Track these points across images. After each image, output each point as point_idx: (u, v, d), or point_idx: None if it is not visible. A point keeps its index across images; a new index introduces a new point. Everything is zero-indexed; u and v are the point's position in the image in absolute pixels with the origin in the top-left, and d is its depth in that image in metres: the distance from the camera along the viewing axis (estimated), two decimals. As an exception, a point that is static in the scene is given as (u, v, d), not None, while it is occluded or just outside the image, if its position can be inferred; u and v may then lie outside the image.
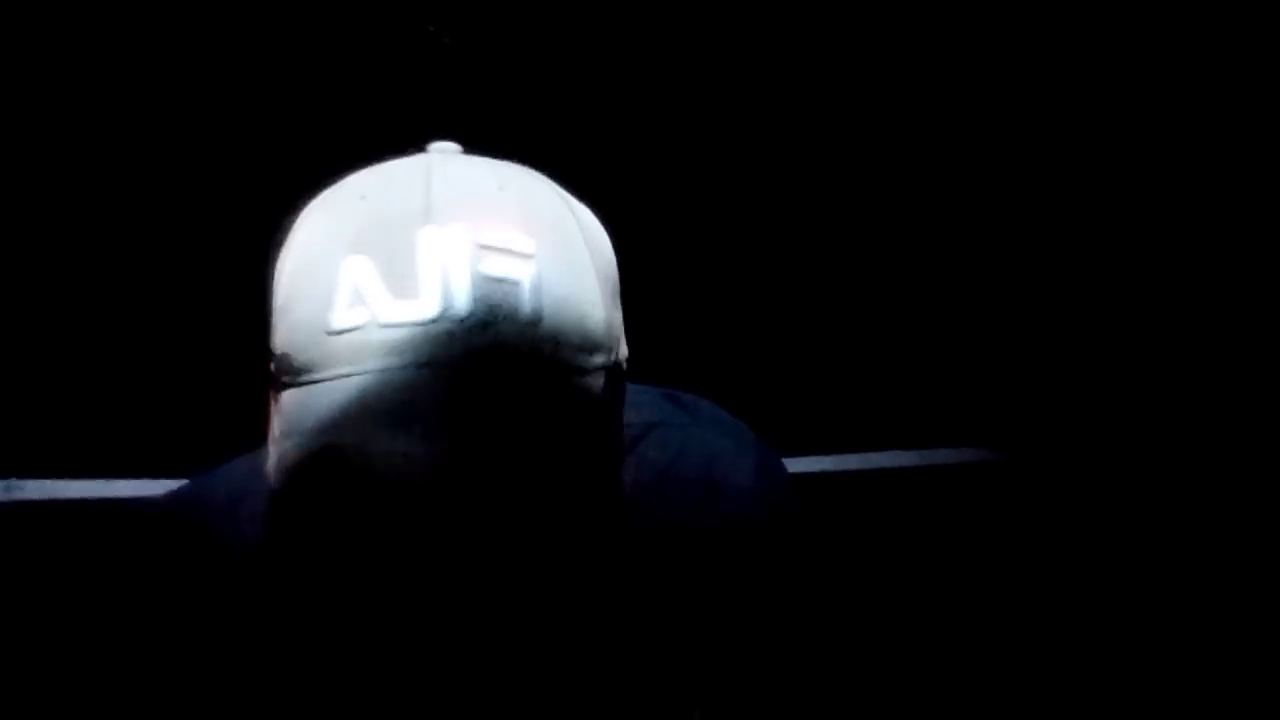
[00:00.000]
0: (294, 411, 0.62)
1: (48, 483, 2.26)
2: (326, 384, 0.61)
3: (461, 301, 0.61)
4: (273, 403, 0.67)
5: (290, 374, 0.64)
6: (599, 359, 0.65)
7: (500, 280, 0.62)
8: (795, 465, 2.73)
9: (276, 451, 0.64)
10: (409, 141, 0.80)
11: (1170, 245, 2.80)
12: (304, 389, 0.62)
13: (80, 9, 2.40)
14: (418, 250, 0.61)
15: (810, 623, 0.94)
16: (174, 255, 2.51)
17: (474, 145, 0.82)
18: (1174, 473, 2.67)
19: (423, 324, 0.60)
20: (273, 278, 0.69)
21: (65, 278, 2.47)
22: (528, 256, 0.63)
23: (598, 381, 0.64)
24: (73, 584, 0.92)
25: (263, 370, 0.69)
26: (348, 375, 0.60)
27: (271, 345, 0.67)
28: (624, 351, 0.70)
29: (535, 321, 0.62)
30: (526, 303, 0.62)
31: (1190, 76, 2.76)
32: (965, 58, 2.79)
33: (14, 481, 2.25)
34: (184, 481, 0.90)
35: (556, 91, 2.86)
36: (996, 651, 2.50)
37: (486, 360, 0.60)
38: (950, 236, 2.85)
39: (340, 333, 0.62)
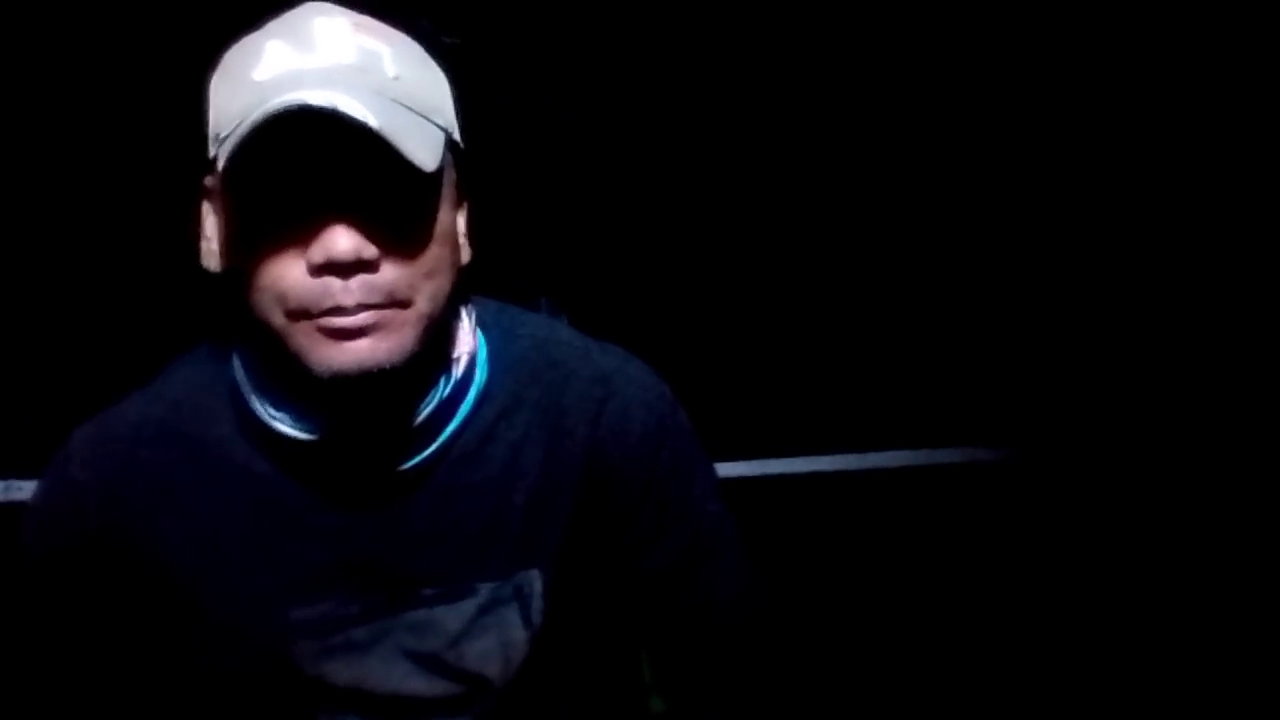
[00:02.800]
0: (234, 142, 0.83)
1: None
2: (257, 109, 0.82)
3: (348, 56, 0.86)
4: (208, 191, 0.92)
5: (224, 127, 0.85)
6: (439, 120, 0.89)
7: (372, 49, 0.87)
8: (798, 465, 2.74)
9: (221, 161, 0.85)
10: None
11: (1175, 247, 2.80)
12: (238, 126, 0.83)
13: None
14: (314, 28, 0.87)
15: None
16: (174, 257, 2.51)
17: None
18: (1179, 473, 2.67)
19: (324, 68, 0.85)
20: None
21: (67, 281, 2.47)
22: (387, 42, 0.89)
23: (439, 135, 0.88)
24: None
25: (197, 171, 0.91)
26: (271, 98, 0.82)
27: (207, 127, 0.88)
28: (456, 133, 0.93)
29: (396, 77, 0.87)
30: (390, 63, 0.87)
31: (1192, 77, 2.76)
32: (970, 57, 2.79)
33: (14, 482, 2.25)
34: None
35: (559, 101, 2.86)
36: (1001, 649, 2.50)
37: (365, 92, 0.84)
38: (955, 237, 2.85)
39: (265, 81, 0.85)
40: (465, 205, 0.96)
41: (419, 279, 0.87)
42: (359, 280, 0.85)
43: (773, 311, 2.85)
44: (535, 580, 0.97)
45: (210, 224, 0.93)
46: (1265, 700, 2.29)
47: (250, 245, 0.86)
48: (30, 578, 0.98)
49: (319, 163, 0.84)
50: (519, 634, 0.97)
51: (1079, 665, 2.46)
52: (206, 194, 0.93)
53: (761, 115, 2.79)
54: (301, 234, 0.85)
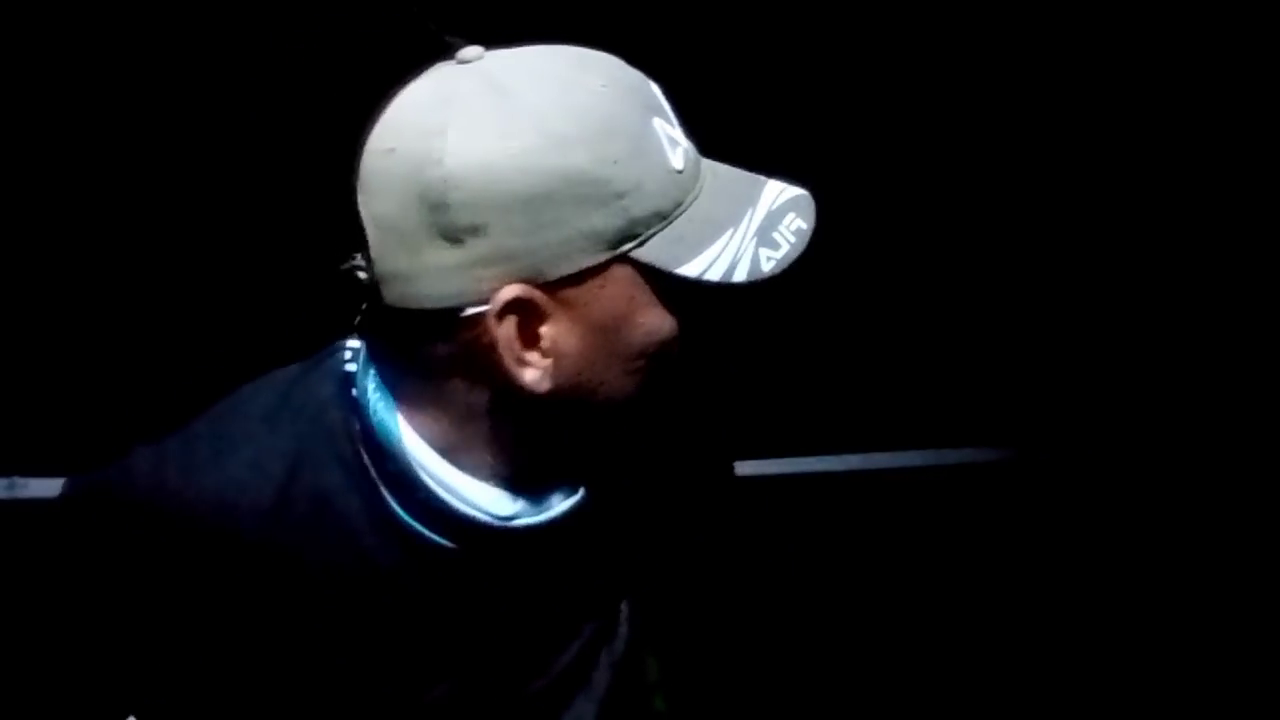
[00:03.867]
0: (671, 242, 0.79)
1: (50, 481, 2.25)
2: (692, 206, 0.80)
3: (685, 157, 0.82)
4: (520, 305, 0.78)
5: (647, 224, 0.78)
6: None
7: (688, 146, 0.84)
8: (801, 466, 2.74)
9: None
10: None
11: (1177, 247, 2.79)
12: (675, 222, 0.79)
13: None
14: (669, 113, 0.83)
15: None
16: (176, 257, 2.51)
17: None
18: (1182, 472, 2.67)
19: (695, 150, 0.83)
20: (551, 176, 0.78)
21: (71, 281, 2.47)
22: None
23: None
24: (73, 580, 0.93)
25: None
26: (698, 195, 0.81)
27: (607, 222, 0.78)
28: None
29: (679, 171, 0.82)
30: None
31: (1193, 76, 2.76)
32: (973, 56, 2.79)
33: (17, 480, 2.25)
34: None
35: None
36: (1004, 649, 2.49)
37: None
38: (957, 238, 2.85)
39: (681, 171, 0.81)
40: None
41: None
42: None
43: (773, 314, 2.85)
44: (622, 610, 0.96)
45: (533, 342, 0.78)
46: (1267, 700, 2.29)
47: (670, 341, 0.82)
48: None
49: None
50: (605, 672, 0.95)
51: (1082, 664, 2.46)
52: (517, 309, 0.77)
53: (767, 112, 2.78)
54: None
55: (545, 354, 0.78)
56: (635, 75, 0.83)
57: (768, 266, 0.80)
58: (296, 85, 2.56)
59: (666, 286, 0.79)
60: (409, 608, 0.85)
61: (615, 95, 0.80)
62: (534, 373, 0.78)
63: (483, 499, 0.82)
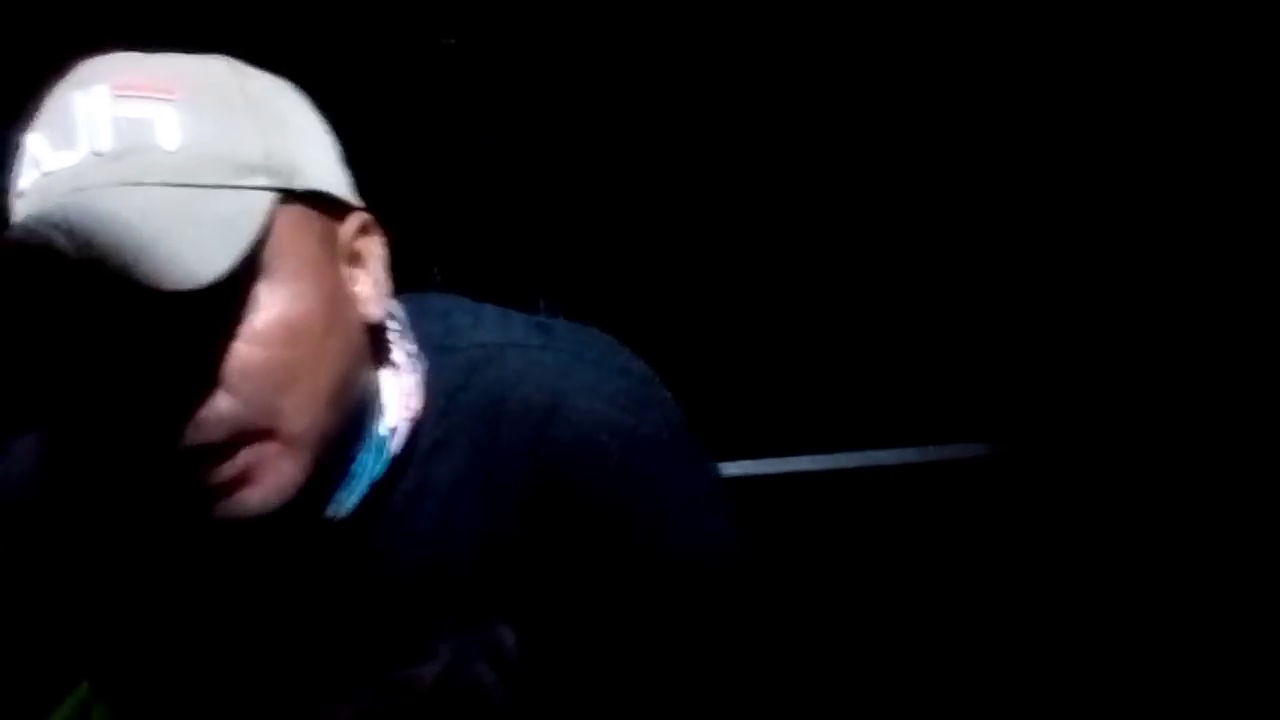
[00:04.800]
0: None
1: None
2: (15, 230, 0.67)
3: (104, 141, 0.69)
4: None
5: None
6: (258, 180, 0.71)
7: (136, 119, 0.69)
8: (793, 465, 2.74)
9: None
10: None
11: (1165, 242, 2.79)
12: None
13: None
14: (72, 111, 0.70)
15: (647, 560, 0.85)
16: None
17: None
18: (1170, 467, 2.67)
19: (74, 166, 0.69)
20: None
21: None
22: (166, 99, 0.71)
23: (257, 200, 0.70)
24: None
25: None
26: (24, 218, 0.67)
27: None
28: (311, 182, 0.75)
29: (173, 151, 0.69)
30: (162, 135, 0.69)
31: (1185, 76, 2.76)
32: (951, 51, 2.78)
33: None
34: None
35: (557, 96, 2.86)
36: (995, 644, 2.49)
37: (130, 181, 0.68)
38: (944, 235, 2.84)
39: (22, 193, 0.70)
40: (363, 249, 0.78)
41: (278, 397, 0.70)
42: (188, 425, 0.68)
43: (761, 312, 2.85)
44: (505, 634, 0.85)
45: None
46: (1259, 698, 2.29)
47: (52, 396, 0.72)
48: None
49: (79, 300, 0.67)
50: (495, 689, 0.86)
51: (1072, 660, 2.46)
52: None
53: (758, 114, 2.79)
54: (101, 382, 0.68)
55: None
56: (81, 69, 0.74)
57: None
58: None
59: None
60: (240, 616, 0.83)
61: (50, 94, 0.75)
62: None
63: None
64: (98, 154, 0.68)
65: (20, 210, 0.69)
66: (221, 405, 0.68)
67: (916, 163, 2.81)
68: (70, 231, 0.63)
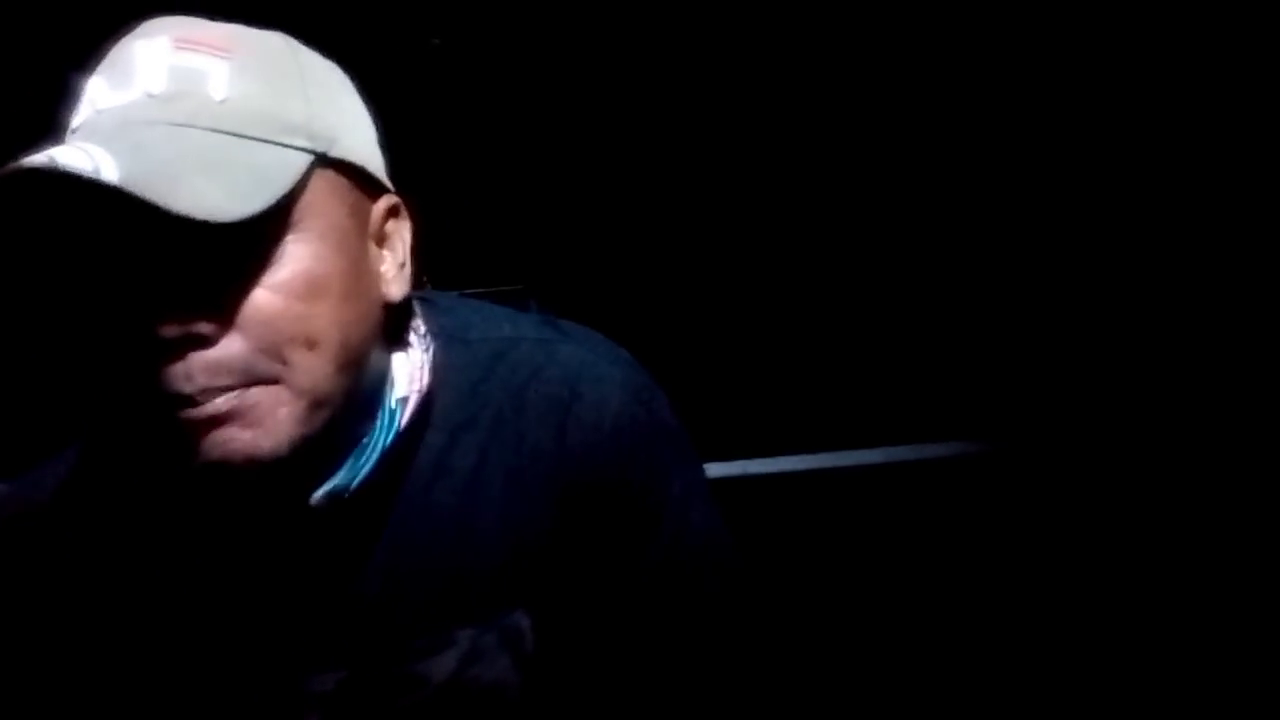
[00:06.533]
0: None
1: None
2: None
3: (157, 84, 0.72)
4: None
5: None
6: (298, 141, 0.74)
7: (191, 69, 0.73)
8: (789, 464, 2.73)
9: None
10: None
11: (1161, 240, 2.80)
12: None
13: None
14: (133, 57, 0.74)
15: (668, 539, 0.90)
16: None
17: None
18: (1166, 464, 2.67)
19: (126, 105, 0.72)
20: None
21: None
22: (222, 55, 0.74)
23: (294, 159, 0.73)
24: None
25: None
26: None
27: None
28: (349, 154, 0.78)
29: (221, 100, 0.72)
30: (213, 86, 0.73)
31: (1182, 75, 2.76)
32: (943, 49, 2.79)
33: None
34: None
35: (560, 97, 2.85)
36: (991, 643, 2.50)
37: (177, 122, 0.71)
38: (940, 233, 2.85)
39: (75, 128, 0.74)
40: (391, 232, 0.81)
41: (289, 348, 0.71)
42: (198, 361, 0.70)
43: (756, 312, 2.85)
44: (522, 620, 0.87)
45: None
46: (1258, 696, 2.29)
47: (72, 325, 0.74)
48: None
49: (104, 227, 0.69)
50: (511, 677, 0.88)
51: (1070, 659, 2.46)
52: None
53: (752, 112, 2.79)
54: (122, 311, 0.70)
55: None
56: (144, 26, 0.78)
57: None
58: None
59: None
60: (259, 589, 0.83)
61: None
62: None
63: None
64: (150, 95, 0.71)
65: (75, 138, 0.71)
66: (234, 346, 0.70)
67: (913, 161, 2.82)
68: (113, 155, 0.66)
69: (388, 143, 0.83)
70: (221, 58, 0.73)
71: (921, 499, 2.72)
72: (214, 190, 0.67)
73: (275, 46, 0.78)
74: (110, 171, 0.65)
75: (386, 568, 0.84)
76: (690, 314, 2.88)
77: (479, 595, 0.85)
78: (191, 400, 0.69)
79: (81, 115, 0.74)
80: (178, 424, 0.70)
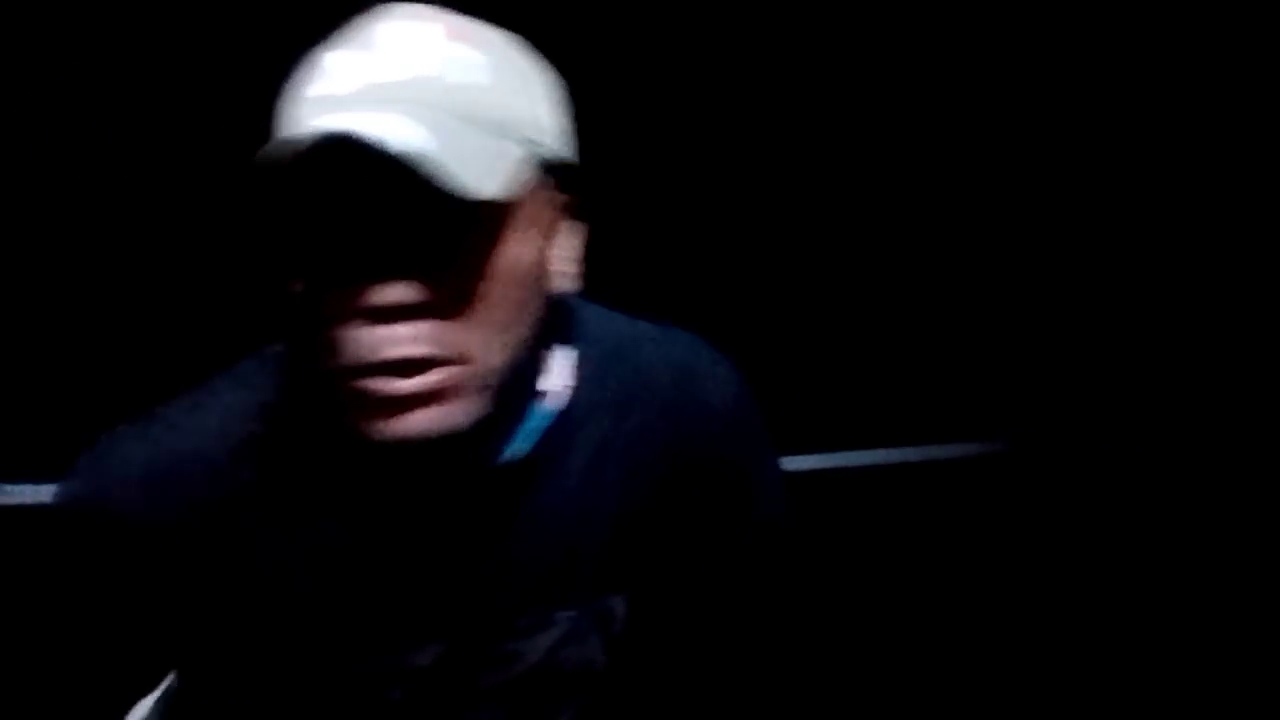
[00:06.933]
0: (260, 171, 0.72)
1: (39, 487, 2.25)
2: (277, 144, 0.71)
3: (431, 68, 0.75)
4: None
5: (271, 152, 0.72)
6: (527, 135, 0.78)
7: (461, 59, 0.76)
8: (798, 463, 2.73)
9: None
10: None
11: (1172, 241, 2.80)
12: (267, 152, 0.71)
13: None
14: (376, 37, 0.76)
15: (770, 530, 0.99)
16: (164, 264, 2.50)
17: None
18: (1177, 466, 2.68)
19: (402, 83, 0.74)
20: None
21: (56, 285, 2.46)
22: (484, 50, 0.78)
23: (522, 152, 0.77)
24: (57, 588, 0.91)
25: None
26: (305, 120, 0.72)
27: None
28: (553, 154, 0.82)
29: (484, 90, 0.76)
30: (477, 78, 0.76)
31: (1190, 76, 2.77)
32: (967, 53, 2.79)
33: (4, 486, 2.25)
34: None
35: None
36: (999, 644, 2.50)
37: (424, 103, 0.73)
38: (952, 231, 2.85)
39: (310, 98, 0.75)
40: (568, 231, 0.85)
41: (488, 329, 0.75)
42: (408, 329, 0.73)
43: (763, 312, 2.85)
44: (618, 605, 0.92)
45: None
46: (1263, 698, 2.29)
47: (285, 286, 0.77)
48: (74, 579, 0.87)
49: (359, 193, 0.72)
50: (598, 658, 0.92)
51: (1076, 660, 2.46)
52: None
53: (762, 108, 2.79)
54: (336, 277, 0.73)
55: None
56: (397, 8, 0.82)
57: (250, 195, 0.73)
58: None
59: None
60: (384, 558, 0.85)
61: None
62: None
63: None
64: (424, 77, 0.74)
65: (307, 111, 0.74)
66: (440, 320, 0.73)
67: (912, 159, 2.82)
68: (395, 126, 0.69)
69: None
70: (483, 51, 0.78)
71: (922, 502, 2.72)
72: (460, 173, 0.70)
73: (513, 45, 0.83)
74: (398, 143, 0.68)
75: (504, 547, 0.87)
76: (690, 314, 2.87)
77: (584, 578, 0.90)
78: (392, 367, 0.72)
79: (321, 86, 0.75)
80: (373, 395, 0.73)
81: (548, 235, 0.82)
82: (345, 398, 0.74)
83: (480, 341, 0.75)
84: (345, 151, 0.70)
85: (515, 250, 0.77)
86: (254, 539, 0.84)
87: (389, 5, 0.81)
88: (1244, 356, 2.71)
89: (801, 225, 2.79)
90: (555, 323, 0.87)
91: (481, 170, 0.72)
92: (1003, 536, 2.67)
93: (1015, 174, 2.82)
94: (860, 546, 2.65)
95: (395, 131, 0.69)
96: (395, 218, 0.73)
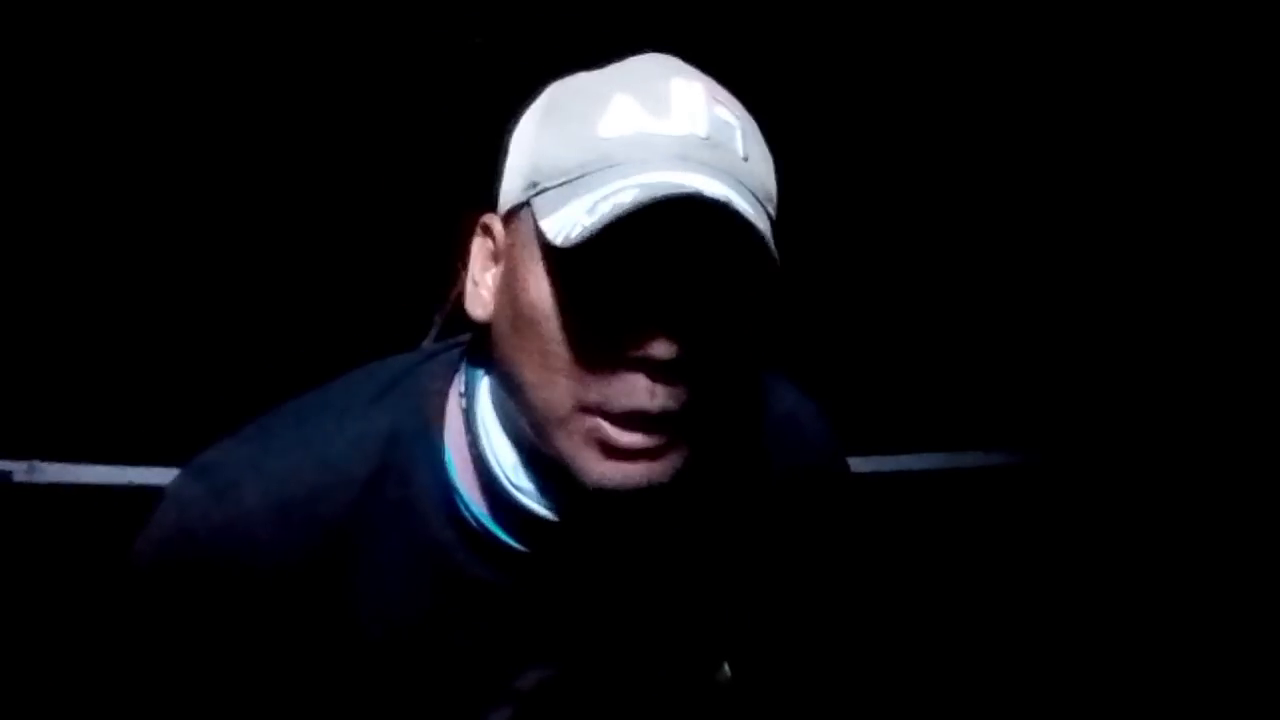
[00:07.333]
0: (557, 199, 0.75)
1: (69, 466, 2.28)
2: (598, 173, 0.74)
3: (701, 127, 0.77)
4: (487, 229, 0.83)
5: (550, 178, 0.76)
6: (770, 208, 0.80)
7: (726, 122, 0.78)
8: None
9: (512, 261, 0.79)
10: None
11: (1194, 252, 2.78)
12: (571, 184, 0.75)
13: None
14: (671, 91, 0.78)
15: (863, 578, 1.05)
16: (193, 248, 2.52)
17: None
18: (1201, 476, 2.66)
19: (673, 136, 0.76)
20: (506, 138, 0.84)
21: (91, 268, 2.49)
22: (737, 116, 0.80)
23: (769, 228, 0.77)
24: (96, 564, 0.91)
25: (466, 207, 0.86)
26: (620, 164, 0.74)
27: (512, 168, 0.81)
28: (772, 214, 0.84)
29: (746, 158, 0.78)
30: (740, 143, 0.78)
31: (1202, 79, 2.75)
32: (977, 55, 2.78)
33: (36, 464, 2.27)
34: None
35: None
36: (1021, 652, 2.49)
37: (720, 173, 0.75)
38: (981, 241, 2.84)
39: (611, 139, 0.76)
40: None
41: (722, 397, 0.78)
42: (675, 387, 0.74)
43: (789, 318, 2.84)
44: (724, 671, 0.99)
45: (487, 269, 0.83)
46: (1270, 702, 2.28)
47: (554, 315, 0.75)
48: (144, 604, 0.82)
49: (683, 249, 0.74)
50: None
51: (1098, 668, 2.45)
52: (485, 232, 0.84)
53: (775, 116, 2.78)
54: (624, 322, 0.74)
55: (488, 287, 0.82)
56: (661, 60, 0.83)
57: (575, 233, 0.72)
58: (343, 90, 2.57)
59: (544, 245, 0.76)
60: (474, 612, 0.84)
61: (617, 67, 0.83)
62: (475, 298, 0.82)
63: (551, 498, 0.81)
64: (699, 137, 0.76)
65: (613, 152, 0.75)
66: (695, 388, 0.75)
67: (935, 168, 2.81)
68: (711, 191, 0.71)
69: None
70: (737, 117, 0.80)
71: (926, 508, 2.71)
72: (762, 246, 0.73)
73: (749, 114, 0.83)
74: (741, 207, 0.71)
75: (638, 584, 0.88)
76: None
77: (694, 633, 0.92)
78: (635, 416, 0.74)
79: (615, 126, 0.76)
80: (603, 442, 0.75)
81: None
82: (574, 438, 0.76)
83: (711, 415, 0.78)
84: (672, 208, 0.71)
85: (751, 324, 0.79)
86: (361, 582, 0.82)
87: (655, 55, 0.83)
88: (1269, 368, 2.70)
89: (841, 235, 2.79)
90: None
91: (769, 241, 0.74)
92: (1034, 547, 2.66)
93: (1038, 186, 2.81)
94: (885, 553, 2.64)
95: (727, 194, 0.72)
96: (706, 278, 0.74)
